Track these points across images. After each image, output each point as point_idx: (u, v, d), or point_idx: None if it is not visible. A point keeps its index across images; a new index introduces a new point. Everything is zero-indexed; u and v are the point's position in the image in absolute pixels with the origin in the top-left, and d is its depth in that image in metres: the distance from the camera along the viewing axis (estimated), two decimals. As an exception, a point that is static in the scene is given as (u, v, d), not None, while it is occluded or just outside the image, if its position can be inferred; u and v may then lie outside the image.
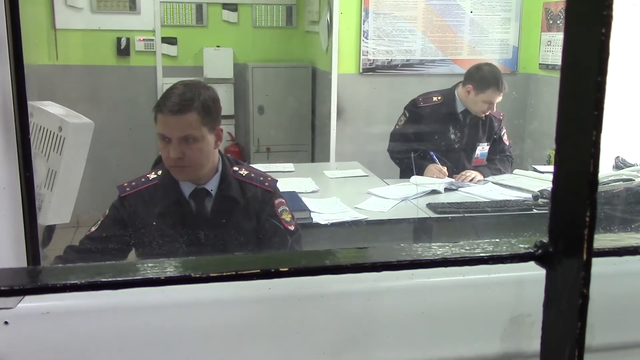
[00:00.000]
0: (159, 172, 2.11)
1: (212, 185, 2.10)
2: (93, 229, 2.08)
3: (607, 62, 0.51)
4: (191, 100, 1.98)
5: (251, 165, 2.32)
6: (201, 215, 2.09)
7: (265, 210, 2.14)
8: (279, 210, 2.16)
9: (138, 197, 2.07)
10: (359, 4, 4.69)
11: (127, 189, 2.08)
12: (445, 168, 3.45)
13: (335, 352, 0.77)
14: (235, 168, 2.13)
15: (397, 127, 3.70)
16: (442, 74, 4.82)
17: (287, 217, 2.17)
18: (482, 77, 3.45)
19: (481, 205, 3.01)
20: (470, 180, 3.39)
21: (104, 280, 0.48)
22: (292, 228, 2.17)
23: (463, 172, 3.46)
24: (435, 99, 3.61)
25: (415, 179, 3.38)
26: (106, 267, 0.50)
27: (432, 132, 3.60)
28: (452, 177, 3.40)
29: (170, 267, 0.50)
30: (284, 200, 2.20)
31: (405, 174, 3.55)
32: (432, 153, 3.50)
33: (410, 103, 3.68)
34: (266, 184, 2.16)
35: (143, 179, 2.11)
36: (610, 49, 0.50)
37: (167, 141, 1.98)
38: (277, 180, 2.22)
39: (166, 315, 0.67)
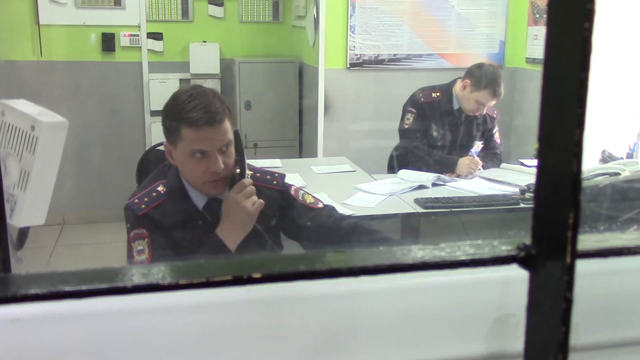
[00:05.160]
0: (165, 186, 1.96)
1: (224, 194, 1.94)
2: (144, 257, 1.87)
3: (590, 59, 0.49)
4: (220, 106, 1.86)
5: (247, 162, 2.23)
6: (217, 226, 1.94)
7: (287, 207, 2.05)
8: (300, 196, 2.07)
9: (155, 213, 1.91)
10: (345, -1, 4.67)
11: (142, 206, 1.91)
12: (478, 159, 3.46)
13: (317, 355, 0.75)
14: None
15: (405, 125, 3.63)
16: (429, 68, 4.81)
17: (309, 199, 2.08)
18: (481, 76, 3.41)
19: (468, 200, 3.00)
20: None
21: (67, 289, 0.46)
22: (320, 205, 2.08)
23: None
24: (434, 95, 3.59)
25: (402, 173, 3.36)
26: (70, 275, 0.48)
27: (436, 128, 3.59)
28: (440, 173, 3.39)
29: (137, 275, 0.48)
30: (297, 187, 2.12)
31: (425, 168, 3.46)
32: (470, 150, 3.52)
33: (412, 99, 3.64)
34: (274, 182, 2.06)
35: (154, 193, 1.94)
36: (594, 44, 0.49)
37: (203, 156, 1.85)
38: (284, 175, 2.11)
39: (140, 321, 0.65)
